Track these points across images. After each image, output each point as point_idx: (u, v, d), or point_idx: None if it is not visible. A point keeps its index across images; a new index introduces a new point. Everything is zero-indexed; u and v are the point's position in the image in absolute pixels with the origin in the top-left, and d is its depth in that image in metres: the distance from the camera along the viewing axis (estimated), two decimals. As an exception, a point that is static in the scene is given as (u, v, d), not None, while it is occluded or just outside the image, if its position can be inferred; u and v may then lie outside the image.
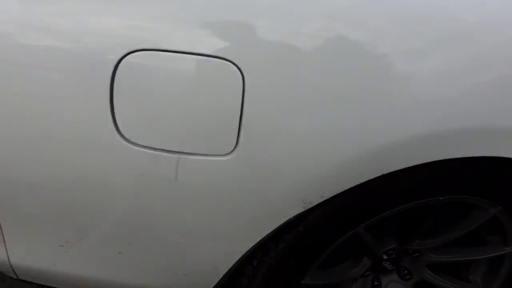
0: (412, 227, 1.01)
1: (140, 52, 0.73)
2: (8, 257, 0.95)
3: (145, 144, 0.78)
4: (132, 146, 0.78)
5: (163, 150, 0.78)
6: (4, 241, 0.93)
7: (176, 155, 0.79)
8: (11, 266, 0.97)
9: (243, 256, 0.91)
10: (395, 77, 0.76)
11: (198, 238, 0.88)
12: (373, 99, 0.76)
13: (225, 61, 0.73)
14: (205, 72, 0.74)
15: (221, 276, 0.95)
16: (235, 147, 0.78)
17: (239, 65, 0.73)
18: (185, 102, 0.75)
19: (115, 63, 0.73)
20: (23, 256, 0.95)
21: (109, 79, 0.74)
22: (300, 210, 0.85)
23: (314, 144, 0.78)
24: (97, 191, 0.83)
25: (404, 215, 0.96)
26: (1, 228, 0.91)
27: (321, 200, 0.84)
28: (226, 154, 0.79)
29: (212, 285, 0.97)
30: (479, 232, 1.09)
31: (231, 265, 0.93)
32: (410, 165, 0.83)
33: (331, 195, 0.84)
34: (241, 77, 0.74)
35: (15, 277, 1.05)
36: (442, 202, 0.93)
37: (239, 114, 0.76)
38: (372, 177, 0.82)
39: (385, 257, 1.09)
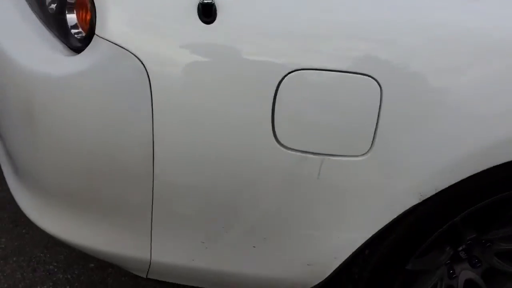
0: (492, 218, 1.18)
1: (298, 72, 0.88)
2: (151, 254, 1.07)
3: (297, 148, 0.92)
4: (285, 150, 0.92)
5: (310, 153, 0.93)
6: (151, 239, 1.04)
7: (320, 156, 0.93)
8: (150, 264, 1.09)
9: (361, 245, 1.05)
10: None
11: (327, 229, 1.03)
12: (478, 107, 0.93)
13: (366, 76, 0.88)
14: (349, 86, 0.89)
15: (338, 264, 1.08)
16: (369, 149, 0.93)
17: (378, 80, 0.89)
18: (331, 112, 0.90)
19: (278, 80, 0.88)
20: (165, 253, 1.07)
21: (272, 94, 0.88)
22: (416, 201, 1.00)
23: (433, 145, 0.94)
24: (248, 190, 0.97)
25: (485, 207, 1.12)
26: (151, 227, 1.02)
27: (434, 193, 0.99)
28: (362, 155, 0.94)
29: (328, 274, 1.10)
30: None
31: (349, 254, 1.07)
32: (506, 161, 0.99)
33: (442, 189, 0.99)
34: (379, 90, 0.89)
35: (143, 275, 1.16)
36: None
37: (376, 121, 0.91)
38: (476, 171, 0.98)
39: (461, 247, 1.25)
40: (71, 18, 0.94)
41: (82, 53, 0.88)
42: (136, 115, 0.89)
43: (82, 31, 0.92)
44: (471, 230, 1.20)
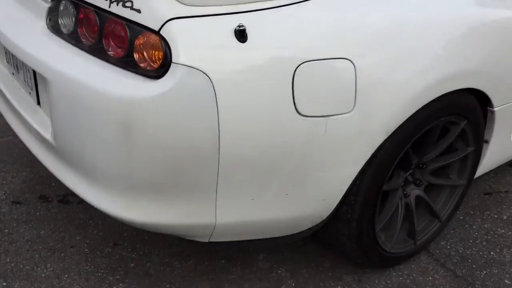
0: (425, 145, 1.73)
1: (305, 63, 1.34)
2: (216, 218, 1.45)
3: (310, 115, 1.39)
4: (302, 117, 1.38)
5: (319, 116, 1.40)
6: (216, 206, 1.43)
7: (325, 118, 1.41)
8: (215, 227, 1.47)
9: (355, 177, 1.54)
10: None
11: (334, 169, 1.50)
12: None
13: (344, 59, 1.38)
14: (336, 67, 1.38)
15: (342, 194, 1.56)
16: (353, 107, 1.42)
17: (353, 61, 1.39)
18: (329, 86, 1.38)
19: (293, 71, 1.34)
20: (225, 215, 1.46)
21: (290, 81, 1.34)
22: (385, 137, 1.51)
23: (393, 95, 1.46)
24: (282, 151, 1.40)
25: (422, 136, 1.67)
26: (216, 197, 1.41)
27: (394, 129, 1.51)
28: (349, 112, 1.43)
29: (336, 204, 1.57)
30: (452, 144, 1.84)
31: (348, 185, 1.55)
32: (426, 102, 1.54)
33: (398, 125, 1.52)
34: (353, 68, 1.39)
35: (206, 240, 1.54)
36: (442, 122, 1.67)
37: (355, 87, 1.41)
38: (414, 111, 1.52)
39: (409, 172, 1.80)
40: (138, 57, 1.32)
41: (165, 77, 1.26)
42: (207, 114, 1.29)
43: (152, 63, 1.30)
44: (414, 156, 1.75)
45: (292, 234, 1.62)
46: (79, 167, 1.47)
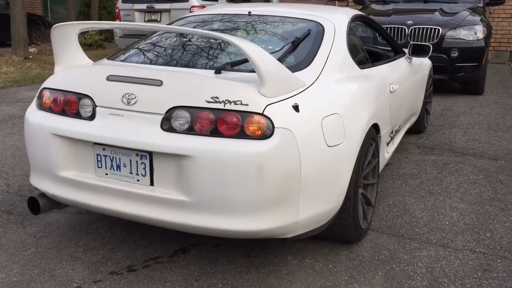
0: (364, 159, 3.01)
1: (325, 117, 2.52)
2: (299, 216, 2.44)
3: (331, 145, 2.54)
4: (329, 147, 2.53)
5: (335, 145, 2.57)
6: (298, 207, 2.43)
7: (337, 146, 2.58)
8: (298, 222, 2.45)
9: (349, 179, 2.71)
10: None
11: (343, 174, 2.65)
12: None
13: (337, 114, 2.61)
14: (335, 117, 2.59)
15: (346, 191, 2.70)
16: (345, 137, 2.63)
17: (340, 114, 2.61)
18: (336, 128, 2.57)
19: (321, 122, 2.50)
20: (303, 212, 2.45)
21: (321, 127, 2.49)
22: (358, 151, 2.75)
23: (357, 127, 2.73)
24: (323, 168, 2.52)
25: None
26: (298, 200, 2.41)
27: (360, 146, 2.76)
28: (344, 141, 2.62)
29: (343, 198, 2.70)
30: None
31: (348, 184, 2.71)
32: (369, 126, 2.86)
33: (361, 143, 2.78)
34: (340, 117, 2.62)
35: (291, 235, 2.48)
36: (368, 144, 2.99)
37: (343, 127, 2.63)
38: (365, 133, 2.82)
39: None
40: (247, 130, 2.30)
41: (273, 136, 2.28)
42: (294, 153, 2.34)
43: (256, 132, 2.29)
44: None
45: (326, 222, 2.67)
46: (216, 209, 2.32)
